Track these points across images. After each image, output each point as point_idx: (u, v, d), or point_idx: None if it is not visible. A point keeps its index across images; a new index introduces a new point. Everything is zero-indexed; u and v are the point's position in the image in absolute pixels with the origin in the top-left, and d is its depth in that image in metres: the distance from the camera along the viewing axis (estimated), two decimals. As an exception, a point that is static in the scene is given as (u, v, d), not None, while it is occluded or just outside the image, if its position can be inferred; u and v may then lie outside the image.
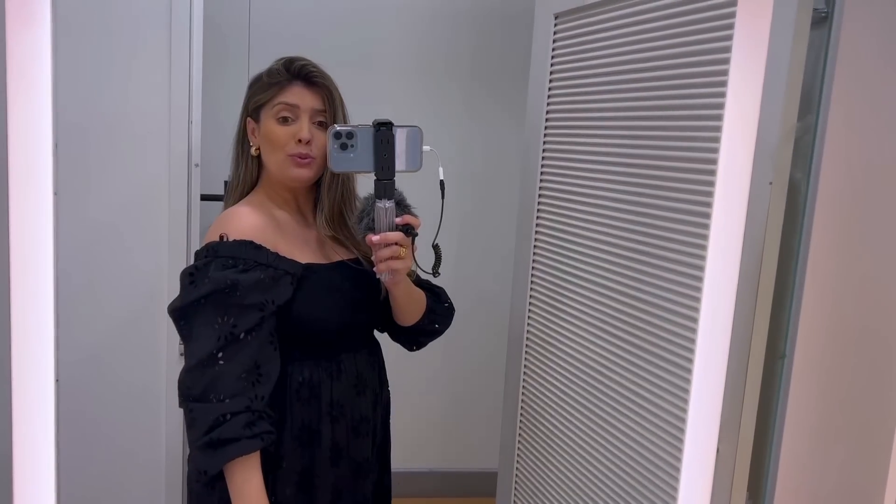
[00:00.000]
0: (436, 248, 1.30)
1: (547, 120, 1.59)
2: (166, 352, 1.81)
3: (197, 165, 1.78)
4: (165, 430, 1.82)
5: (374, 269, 1.22)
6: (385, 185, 1.17)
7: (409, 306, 1.36)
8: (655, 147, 1.21)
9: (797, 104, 1.04)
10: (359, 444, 1.33)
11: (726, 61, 1.02)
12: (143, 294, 1.81)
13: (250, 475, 1.17)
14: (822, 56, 0.99)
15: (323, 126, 1.29)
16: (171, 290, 1.78)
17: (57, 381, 1.84)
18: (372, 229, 1.20)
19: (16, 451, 0.80)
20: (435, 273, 1.31)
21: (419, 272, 1.38)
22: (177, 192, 1.78)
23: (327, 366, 1.29)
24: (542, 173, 1.61)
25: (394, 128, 1.16)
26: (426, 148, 1.19)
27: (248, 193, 1.34)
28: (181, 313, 1.20)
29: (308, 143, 1.27)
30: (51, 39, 0.76)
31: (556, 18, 1.56)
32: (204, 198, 1.89)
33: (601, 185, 1.37)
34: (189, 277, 1.21)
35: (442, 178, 1.25)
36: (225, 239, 1.22)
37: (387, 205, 1.18)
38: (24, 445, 0.80)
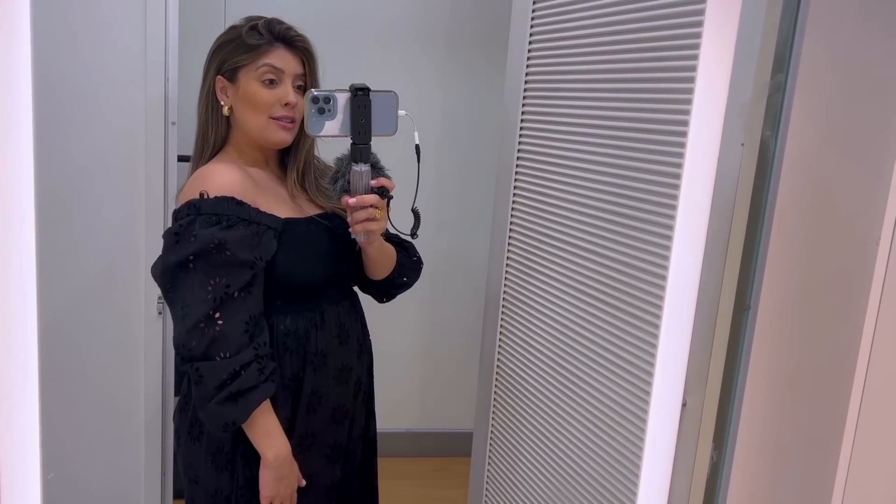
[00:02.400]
0: (415, 211, 1.33)
1: (526, 83, 1.60)
2: (144, 309, 1.81)
3: (174, 123, 1.77)
4: (145, 383, 1.83)
5: (350, 229, 1.25)
6: (361, 149, 1.20)
7: (382, 262, 1.40)
8: (629, 109, 1.23)
9: (769, 69, 1.06)
10: (339, 392, 1.37)
11: (699, 24, 1.03)
12: (121, 253, 1.80)
13: (269, 413, 1.25)
14: (794, 15, 1.01)
15: (301, 90, 1.31)
16: (149, 248, 1.78)
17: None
18: (347, 191, 1.23)
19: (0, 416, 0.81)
20: (413, 235, 1.35)
21: (394, 232, 1.41)
22: (153, 149, 1.77)
23: (311, 316, 1.32)
24: (520, 136, 1.62)
25: (370, 93, 1.18)
26: (401, 113, 1.22)
27: (217, 153, 1.35)
28: (170, 273, 1.21)
29: (293, 106, 1.28)
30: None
31: (535, -20, 1.56)
32: (181, 159, 1.88)
33: (577, 146, 1.39)
34: (174, 237, 1.21)
35: (417, 142, 1.27)
36: (205, 196, 1.22)
37: (363, 168, 1.20)
38: (8, 406, 0.81)
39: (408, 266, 1.47)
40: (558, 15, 1.47)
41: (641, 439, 1.16)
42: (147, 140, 1.76)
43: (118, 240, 1.79)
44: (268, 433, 1.25)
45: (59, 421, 1.83)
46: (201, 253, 1.18)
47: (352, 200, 1.21)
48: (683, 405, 1.15)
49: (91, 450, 1.87)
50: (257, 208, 1.25)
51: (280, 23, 1.30)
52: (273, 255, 1.25)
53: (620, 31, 1.25)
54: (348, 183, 1.22)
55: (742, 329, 1.10)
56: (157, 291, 1.75)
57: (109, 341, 1.83)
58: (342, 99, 1.18)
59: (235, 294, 1.19)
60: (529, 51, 1.59)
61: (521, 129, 1.62)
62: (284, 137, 1.31)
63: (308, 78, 1.32)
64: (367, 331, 1.47)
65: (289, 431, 1.30)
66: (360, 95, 1.18)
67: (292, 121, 1.30)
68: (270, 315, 1.28)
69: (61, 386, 1.82)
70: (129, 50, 1.73)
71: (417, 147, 1.28)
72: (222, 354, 1.18)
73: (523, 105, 1.61)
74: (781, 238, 1.05)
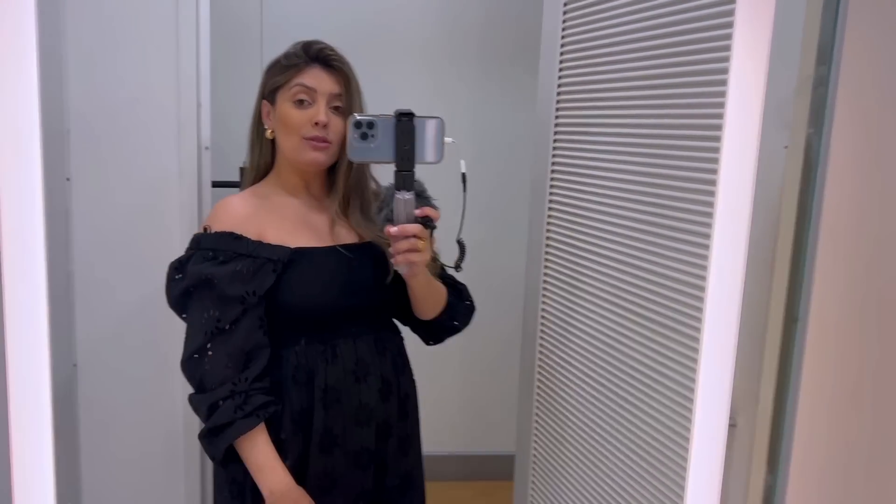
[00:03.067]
0: (460, 242, 1.28)
1: (558, 94, 1.56)
2: (181, 334, 1.81)
3: (207, 149, 1.78)
4: (183, 411, 1.83)
5: (392, 260, 1.20)
6: (405, 177, 1.14)
7: (428, 299, 1.33)
8: (664, 115, 1.19)
9: (813, 63, 1.00)
10: (359, 434, 1.28)
11: (730, 25, 0.98)
12: (158, 280, 1.81)
13: (258, 448, 1.21)
14: (835, 6, 0.95)
15: (339, 111, 1.27)
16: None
17: (75, 365, 1.86)
18: (391, 220, 1.18)
19: (14, 443, 0.79)
20: (457, 268, 1.29)
21: (449, 272, 1.36)
22: (187, 175, 1.78)
23: (322, 350, 1.26)
24: (554, 147, 1.58)
25: (415, 118, 1.14)
26: (448, 140, 1.16)
27: (261, 178, 1.34)
28: (174, 304, 1.27)
29: (325, 126, 1.25)
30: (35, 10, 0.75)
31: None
32: (216, 184, 1.89)
33: (612, 157, 1.35)
34: (175, 271, 1.27)
35: (464, 170, 1.22)
36: (208, 230, 1.25)
37: (406, 196, 1.14)
38: (22, 434, 0.80)
39: (459, 309, 1.38)
40: (589, 24, 1.44)
41: (686, 459, 1.09)
42: (181, 166, 1.77)
43: (153, 265, 1.80)
44: (259, 468, 1.21)
45: (98, 446, 1.85)
46: (194, 286, 1.22)
47: (393, 230, 1.16)
48: (733, 426, 1.08)
49: (131, 475, 1.87)
50: (259, 241, 1.24)
51: (318, 43, 1.28)
52: (273, 286, 1.22)
53: (651, 37, 1.22)
54: (392, 212, 1.18)
55: (792, 342, 1.03)
56: (195, 316, 1.75)
57: (146, 368, 1.83)
58: (386, 124, 1.13)
59: (226, 327, 1.20)
60: (561, 61, 1.55)
61: (555, 140, 1.58)
62: (316, 157, 1.27)
63: (346, 99, 1.28)
64: (404, 371, 1.38)
65: (302, 470, 1.25)
66: (405, 121, 1.13)
67: (325, 141, 1.27)
68: (281, 347, 1.25)
69: (100, 412, 1.83)
70: (162, 76, 1.75)
71: (464, 175, 1.23)
72: (210, 387, 1.20)
73: (556, 116, 1.57)
74: (832, 243, 0.99)
